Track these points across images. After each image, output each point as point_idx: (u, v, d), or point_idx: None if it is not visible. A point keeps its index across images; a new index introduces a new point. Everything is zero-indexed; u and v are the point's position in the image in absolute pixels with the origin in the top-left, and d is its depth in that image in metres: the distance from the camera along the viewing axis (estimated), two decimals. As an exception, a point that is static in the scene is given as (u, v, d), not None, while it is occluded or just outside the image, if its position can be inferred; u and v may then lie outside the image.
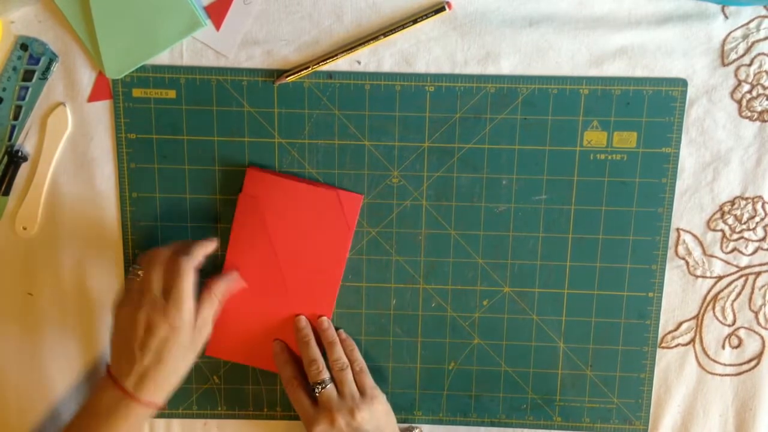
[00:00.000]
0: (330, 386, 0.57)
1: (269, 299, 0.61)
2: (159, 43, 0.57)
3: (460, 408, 0.64)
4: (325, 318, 0.61)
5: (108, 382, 0.54)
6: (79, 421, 0.54)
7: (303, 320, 0.61)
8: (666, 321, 0.62)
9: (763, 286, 0.62)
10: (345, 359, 0.59)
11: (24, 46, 0.58)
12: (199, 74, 0.58)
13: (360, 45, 0.57)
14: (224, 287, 0.58)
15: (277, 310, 0.61)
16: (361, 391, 0.58)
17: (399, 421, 0.63)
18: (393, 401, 0.63)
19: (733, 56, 0.58)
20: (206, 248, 0.58)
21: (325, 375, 0.57)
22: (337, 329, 0.62)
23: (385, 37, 0.57)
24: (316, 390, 0.57)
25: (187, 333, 0.54)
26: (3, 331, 0.63)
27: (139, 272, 0.55)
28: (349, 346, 0.61)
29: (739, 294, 0.62)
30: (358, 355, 0.61)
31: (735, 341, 0.63)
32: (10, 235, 0.61)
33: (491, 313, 0.62)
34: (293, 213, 0.59)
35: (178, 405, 0.64)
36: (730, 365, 0.63)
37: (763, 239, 0.61)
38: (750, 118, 0.59)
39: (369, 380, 0.60)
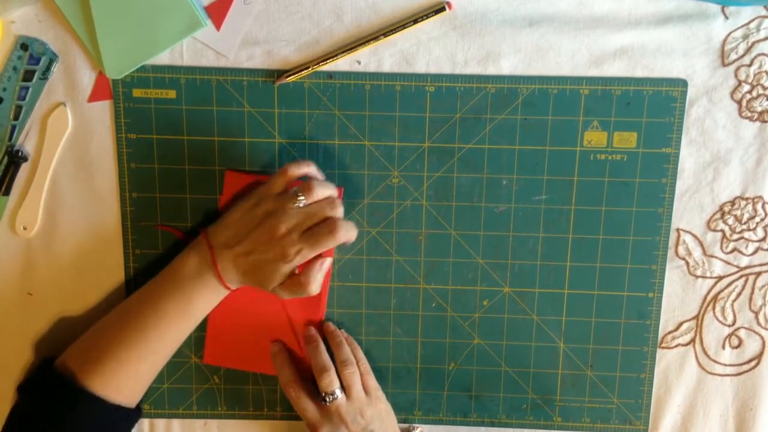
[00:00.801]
0: (341, 396, 0.57)
1: (260, 303, 0.60)
2: (159, 43, 0.57)
3: (460, 408, 0.64)
4: (330, 323, 0.62)
5: (203, 244, 0.55)
6: (160, 280, 0.56)
7: (312, 329, 0.61)
8: (666, 321, 0.62)
9: (763, 287, 0.62)
10: (353, 359, 0.59)
11: (24, 46, 0.58)
12: (199, 74, 0.58)
13: (360, 45, 0.57)
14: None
15: (269, 313, 0.61)
16: (366, 392, 0.58)
17: (399, 421, 0.63)
18: (393, 401, 0.63)
19: (733, 56, 0.58)
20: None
21: (336, 385, 0.57)
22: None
23: (385, 37, 0.57)
24: (327, 400, 0.57)
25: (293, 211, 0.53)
26: (3, 332, 0.63)
27: (301, 197, 0.54)
28: (352, 345, 0.61)
29: (739, 294, 0.62)
30: (362, 355, 0.61)
31: (735, 341, 0.63)
32: (10, 235, 0.61)
33: (491, 313, 0.62)
34: None
35: (178, 405, 0.64)
36: (731, 365, 0.63)
37: (763, 239, 0.61)
38: (750, 119, 0.59)
39: (373, 381, 0.60)
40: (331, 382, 0.57)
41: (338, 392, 0.57)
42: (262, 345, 0.62)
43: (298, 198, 0.54)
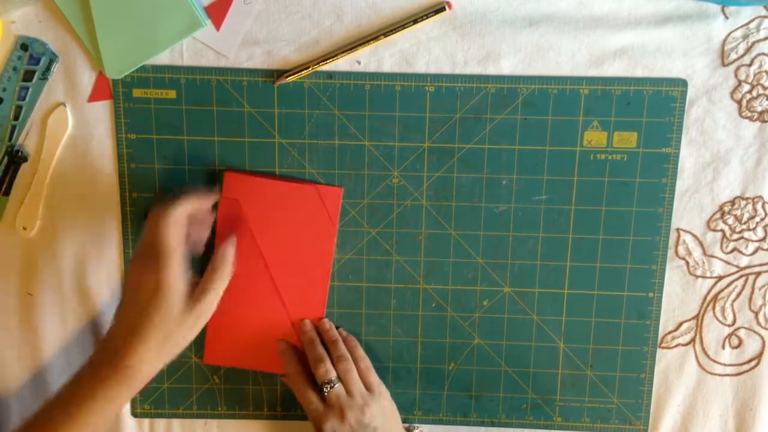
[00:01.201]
0: (338, 385, 0.57)
1: (260, 301, 0.61)
2: (159, 43, 0.57)
3: (460, 408, 0.64)
4: (326, 320, 0.62)
5: (96, 345, 0.52)
6: (62, 392, 0.51)
7: (308, 323, 0.61)
8: (666, 321, 0.62)
9: (763, 286, 0.62)
10: (348, 355, 0.59)
11: (24, 46, 0.58)
12: (199, 74, 0.58)
13: (360, 45, 0.57)
14: (231, 250, 0.55)
15: (269, 311, 0.61)
16: (368, 388, 0.58)
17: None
18: (393, 401, 0.63)
19: (733, 56, 0.58)
20: (200, 200, 0.55)
21: (333, 374, 0.57)
22: (337, 328, 0.62)
23: (385, 37, 0.57)
24: (325, 390, 0.57)
25: (175, 291, 0.50)
26: (3, 331, 0.63)
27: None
28: (351, 342, 0.61)
29: (739, 294, 0.62)
30: (361, 352, 0.61)
31: (735, 341, 0.63)
32: (10, 235, 0.61)
33: (491, 313, 0.62)
34: (275, 212, 0.59)
35: (178, 405, 0.64)
36: (730, 365, 0.63)
37: (763, 239, 0.61)
38: (750, 119, 0.59)
39: (374, 377, 0.60)
40: (327, 371, 0.57)
41: (335, 381, 0.57)
42: (262, 343, 0.62)
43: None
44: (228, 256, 0.55)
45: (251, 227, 0.59)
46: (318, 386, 0.58)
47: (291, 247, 0.60)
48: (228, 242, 0.57)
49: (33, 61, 0.58)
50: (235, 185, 0.59)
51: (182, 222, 0.52)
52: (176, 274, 0.50)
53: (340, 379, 0.58)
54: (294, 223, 0.60)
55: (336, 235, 0.60)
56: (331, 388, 0.57)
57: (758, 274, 0.62)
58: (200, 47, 0.58)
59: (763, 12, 0.57)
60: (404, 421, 0.64)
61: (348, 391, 0.57)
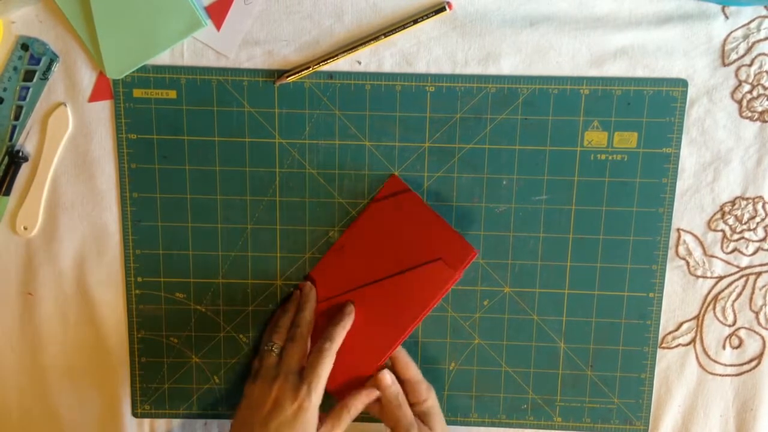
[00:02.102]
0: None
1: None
2: (159, 43, 0.57)
3: (460, 408, 0.64)
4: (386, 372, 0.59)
5: None
6: None
7: (388, 377, 0.58)
8: (666, 321, 0.62)
9: (763, 287, 0.62)
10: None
11: (25, 46, 0.58)
12: (199, 74, 0.58)
13: (360, 45, 0.57)
14: (360, 405, 0.57)
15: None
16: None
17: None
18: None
19: (733, 56, 0.58)
20: (345, 326, 0.57)
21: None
22: None
23: (385, 37, 0.57)
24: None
25: (312, 418, 0.53)
26: (3, 332, 0.63)
27: (274, 348, 0.55)
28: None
29: (739, 294, 0.62)
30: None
31: (735, 341, 0.63)
32: (10, 235, 0.61)
33: (492, 314, 0.62)
34: (412, 238, 0.59)
35: (178, 405, 0.64)
36: (731, 365, 0.63)
37: (763, 239, 0.61)
38: (750, 119, 0.59)
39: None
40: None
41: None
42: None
43: (273, 350, 0.56)
44: (353, 412, 0.56)
45: (382, 238, 0.59)
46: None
47: (401, 277, 0.59)
48: (358, 398, 0.57)
49: (33, 61, 0.58)
50: (396, 193, 0.59)
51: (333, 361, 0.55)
52: (317, 403, 0.53)
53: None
54: (418, 255, 0.58)
55: (447, 290, 0.59)
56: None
57: (759, 274, 0.62)
58: (201, 47, 0.58)
59: (764, 12, 0.57)
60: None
61: None
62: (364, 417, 0.60)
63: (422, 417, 0.58)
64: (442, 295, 0.59)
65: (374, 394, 0.57)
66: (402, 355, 0.60)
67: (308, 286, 0.60)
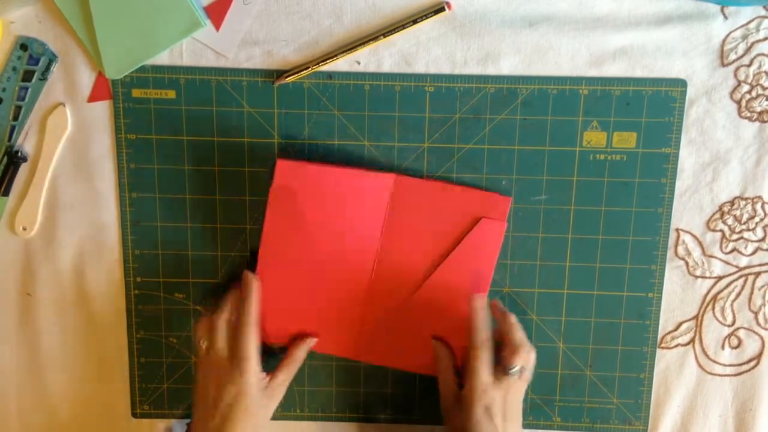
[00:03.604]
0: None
1: (310, 287, 0.60)
2: (159, 43, 0.57)
3: (459, 408, 0.64)
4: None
5: None
6: None
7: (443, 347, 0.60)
8: (666, 321, 0.62)
9: (762, 287, 0.62)
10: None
11: (24, 47, 0.58)
12: (198, 74, 0.58)
13: (360, 45, 0.57)
14: (303, 354, 0.59)
15: (319, 296, 0.60)
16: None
17: (399, 421, 0.63)
18: (393, 402, 0.63)
19: (732, 56, 0.58)
20: (257, 300, 0.58)
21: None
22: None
23: (384, 37, 0.57)
24: (511, 370, 0.55)
25: (256, 395, 0.55)
26: (3, 332, 0.63)
27: (203, 343, 0.56)
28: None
29: (738, 294, 0.62)
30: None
31: (734, 341, 0.63)
32: (10, 235, 0.61)
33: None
34: (331, 200, 0.58)
35: (178, 405, 0.64)
36: (730, 365, 0.63)
37: (762, 239, 0.61)
38: (749, 119, 0.59)
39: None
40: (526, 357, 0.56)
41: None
42: (312, 329, 0.61)
43: (202, 345, 0.57)
44: (302, 355, 0.59)
45: (304, 216, 0.58)
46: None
47: (344, 235, 0.59)
48: (306, 341, 0.60)
49: (32, 61, 0.58)
50: (289, 174, 0.58)
51: (256, 334, 0.56)
52: (256, 380, 0.55)
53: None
54: (346, 209, 0.59)
55: (383, 221, 0.59)
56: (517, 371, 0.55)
57: (758, 274, 0.62)
58: (200, 47, 0.58)
59: (763, 12, 0.57)
60: (404, 422, 0.64)
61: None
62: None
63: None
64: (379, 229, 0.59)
65: (312, 341, 0.60)
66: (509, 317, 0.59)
67: (250, 276, 0.59)
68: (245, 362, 0.54)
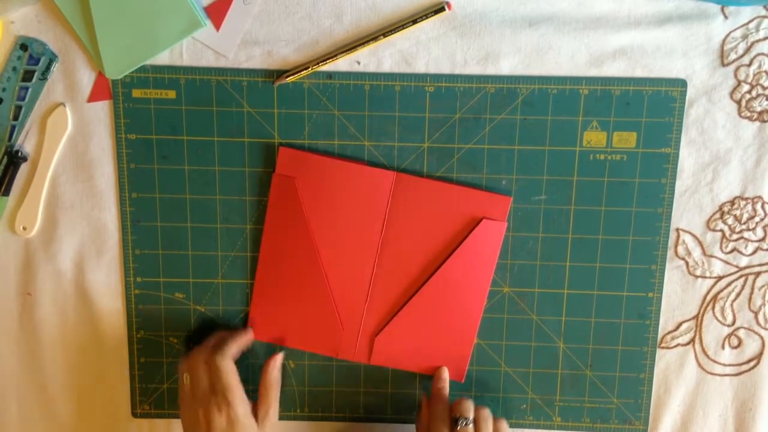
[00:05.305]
0: (471, 426, 0.56)
1: (307, 280, 0.60)
2: (159, 43, 0.57)
3: (459, 408, 0.64)
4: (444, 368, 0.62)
5: None
6: None
7: (445, 371, 0.62)
8: (666, 321, 0.62)
9: (762, 287, 0.62)
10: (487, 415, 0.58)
11: (24, 47, 0.58)
12: (198, 74, 0.58)
13: (360, 45, 0.57)
14: (277, 372, 0.60)
15: (314, 292, 0.60)
16: None
17: (399, 422, 0.63)
18: (393, 402, 0.63)
19: (732, 56, 0.58)
20: (241, 342, 0.60)
21: (471, 414, 0.57)
22: None
23: (384, 37, 0.57)
24: (460, 423, 0.56)
25: (246, 421, 0.55)
26: (3, 332, 0.63)
27: (185, 378, 0.57)
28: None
29: (738, 294, 0.62)
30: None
31: (735, 341, 0.63)
32: (10, 235, 0.61)
33: (491, 314, 0.62)
34: (334, 192, 0.59)
35: (178, 405, 0.64)
36: (730, 365, 0.63)
37: (762, 239, 0.61)
38: (749, 119, 0.59)
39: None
40: (469, 409, 0.57)
41: (471, 421, 0.56)
42: (307, 322, 0.61)
43: (184, 380, 0.57)
44: (276, 375, 0.60)
45: (305, 206, 0.59)
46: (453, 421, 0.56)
47: (343, 229, 0.59)
48: (274, 360, 0.60)
49: (32, 61, 0.58)
50: (291, 163, 0.59)
51: (233, 367, 0.57)
52: (244, 408, 0.56)
53: (474, 421, 0.57)
54: (348, 204, 0.59)
55: (385, 217, 0.59)
56: (465, 424, 0.56)
57: (758, 274, 0.62)
58: (200, 47, 0.58)
59: (763, 12, 0.57)
60: (404, 422, 0.64)
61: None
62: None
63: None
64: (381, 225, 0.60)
65: (280, 356, 0.60)
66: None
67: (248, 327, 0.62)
68: (229, 392, 0.55)
